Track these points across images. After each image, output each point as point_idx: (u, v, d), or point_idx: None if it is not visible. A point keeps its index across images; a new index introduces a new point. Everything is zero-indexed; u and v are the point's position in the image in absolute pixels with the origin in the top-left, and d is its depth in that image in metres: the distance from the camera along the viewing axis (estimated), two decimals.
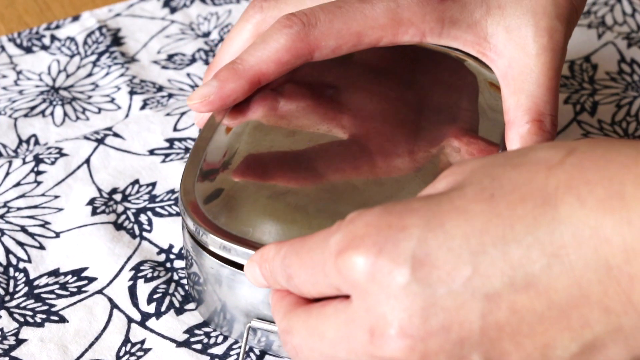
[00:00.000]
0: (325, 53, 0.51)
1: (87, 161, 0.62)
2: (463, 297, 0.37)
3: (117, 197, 0.60)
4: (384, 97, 0.55)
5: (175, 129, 0.64)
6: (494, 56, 0.52)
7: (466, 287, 0.37)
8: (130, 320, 0.53)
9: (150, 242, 0.57)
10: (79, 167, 0.62)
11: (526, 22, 0.51)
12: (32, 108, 0.66)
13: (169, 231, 0.58)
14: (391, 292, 0.38)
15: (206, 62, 0.70)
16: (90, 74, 0.69)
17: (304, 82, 0.55)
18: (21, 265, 0.56)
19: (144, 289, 0.55)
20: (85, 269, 0.56)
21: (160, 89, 0.68)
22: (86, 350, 0.52)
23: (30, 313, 0.54)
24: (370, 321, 0.39)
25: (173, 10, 0.74)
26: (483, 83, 0.56)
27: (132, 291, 0.55)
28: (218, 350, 0.52)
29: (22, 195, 0.60)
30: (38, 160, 0.62)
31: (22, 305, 0.54)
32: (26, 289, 0.55)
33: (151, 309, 0.54)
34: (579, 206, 0.37)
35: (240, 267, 0.48)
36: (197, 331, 0.53)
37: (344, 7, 0.51)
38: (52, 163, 0.62)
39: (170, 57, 0.71)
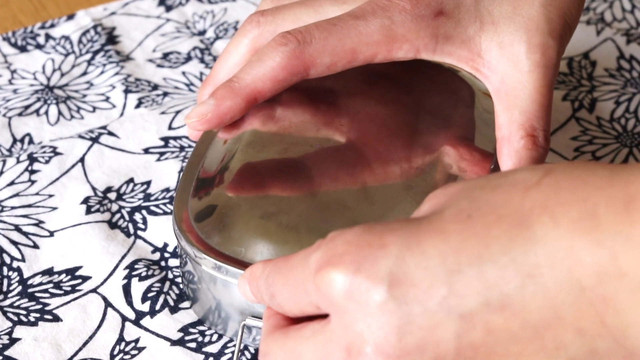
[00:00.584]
0: (321, 70, 0.52)
1: (82, 160, 0.62)
2: (438, 316, 0.38)
3: (112, 195, 0.60)
4: (378, 113, 0.55)
5: (170, 128, 0.64)
6: (488, 72, 0.52)
7: (442, 306, 0.38)
8: (124, 319, 0.54)
9: (145, 240, 0.58)
10: (73, 166, 0.62)
11: (519, 38, 0.51)
12: (27, 107, 0.67)
13: (163, 230, 0.58)
14: (368, 310, 0.38)
15: (202, 61, 0.70)
16: (85, 73, 0.70)
17: (297, 97, 0.56)
18: (15, 264, 0.56)
19: (138, 288, 0.55)
20: (79, 267, 0.56)
21: (155, 87, 0.68)
22: (80, 349, 0.52)
23: (24, 312, 0.54)
24: (347, 339, 0.39)
25: (168, 8, 0.75)
26: (478, 94, 0.57)
27: (127, 290, 0.55)
28: (213, 348, 0.52)
29: (16, 194, 0.60)
30: (32, 159, 0.62)
31: (15, 304, 0.54)
32: (20, 288, 0.55)
33: (145, 307, 0.54)
34: (552, 227, 0.37)
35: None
36: (191, 330, 0.53)
37: (339, 25, 0.52)
38: (47, 162, 0.62)
39: (165, 56, 0.71)
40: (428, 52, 0.52)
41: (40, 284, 0.55)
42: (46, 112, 0.66)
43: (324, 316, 0.41)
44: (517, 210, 0.38)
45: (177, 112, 0.65)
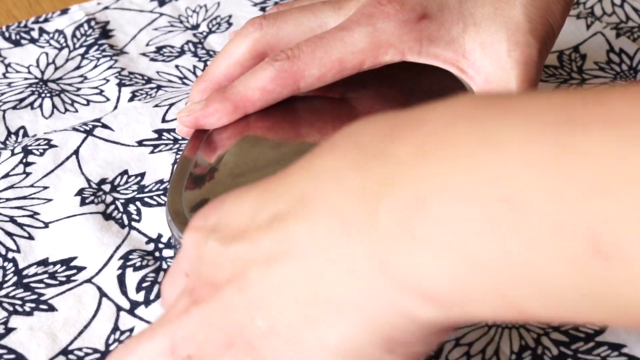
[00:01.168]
0: (311, 82, 0.54)
1: (76, 152, 0.63)
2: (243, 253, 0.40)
3: (106, 187, 0.61)
4: (372, 110, 0.55)
5: (163, 120, 0.65)
6: (472, 73, 0.54)
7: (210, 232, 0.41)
8: (119, 308, 0.54)
9: (139, 231, 0.58)
10: (67, 158, 0.63)
11: (499, 37, 0.53)
12: (21, 100, 0.67)
13: (157, 221, 0.59)
14: (201, 254, 0.41)
15: (195, 54, 0.71)
16: (78, 67, 0.70)
17: (292, 95, 0.56)
18: (10, 255, 0.57)
19: (132, 278, 0.55)
20: (74, 258, 0.57)
21: (148, 80, 0.69)
22: (75, 338, 0.53)
23: (19, 302, 0.55)
24: (193, 282, 0.42)
25: (162, 3, 0.75)
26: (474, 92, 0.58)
27: (121, 280, 0.55)
28: None
29: (11, 187, 0.61)
30: (27, 151, 0.63)
31: (11, 294, 0.55)
32: (15, 278, 0.56)
33: (140, 297, 0.55)
34: (330, 156, 0.38)
35: None
36: None
37: (325, 37, 0.54)
38: (41, 154, 0.63)
39: (158, 50, 0.72)
40: (413, 55, 0.54)
41: (36, 274, 0.56)
42: (40, 106, 0.67)
43: None
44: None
45: (171, 105, 0.66)
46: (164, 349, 0.41)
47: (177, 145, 0.63)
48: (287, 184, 0.40)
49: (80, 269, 0.56)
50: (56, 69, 0.70)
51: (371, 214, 0.35)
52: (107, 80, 0.69)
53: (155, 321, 0.43)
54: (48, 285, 0.55)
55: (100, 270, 0.56)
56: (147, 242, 0.58)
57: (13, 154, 0.63)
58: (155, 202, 0.60)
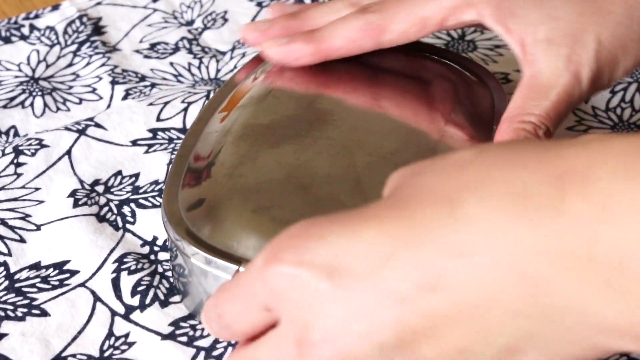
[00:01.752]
0: (394, 37, 0.56)
1: (68, 152, 0.62)
2: (377, 302, 0.38)
3: (100, 188, 0.60)
4: (373, 107, 0.55)
5: (158, 119, 0.64)
6: (529, 61, 0.54)
7: (379, 292, 0.38)
8: (114, 313, 0.54)
9: (134, 234, 0.58)
10: (60, 159, 0.62)
11: (568, 45, 0.53)
12: (12, 99, 0.67)
13: (152, 223, 0.58)
14: (312, 300, 0.39)
15: (190, 51, 0.70)
16: (70, 64, 0.70)
17: (290, 90, 0.56)
18: (1, 258, 0.56)
19: (127, 282, 0.55)
20: (67, 261, 0.56)
21: (142, 78, 0.68)
22: (69, 344, 0.52)
23: (11, 307, 0.54)
24: (297, 332, 0.40)
25: None
26: (475, 90, 0.57)
27: (116, 284, 0.55)
28: (204, 342, 0.52)
29: (2, 188, 0.60)
30: (18, 151, 0.62)
31: (2, 299, 0.54)
32: (6, 282, 0.55)
33: (135, 301, 0.54)
34: (482, 206, 0.37)
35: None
36: (182, 324, 0.53)
37: None
38: (33, 154, 0.62)
39: (152, 46, 0.71)
40: (491, 21, 0.54)
41: (28, 278, 0.55)
42: (31, 104, 0.66)
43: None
44: (449, 192, 0.38)
45: (166, 104, 0.65)
46: None
47: (172, 145, 0.62)
48: (428, 231, 0.38)
49: (73, 272, 0.56)
50: (47, 66, 0.69)
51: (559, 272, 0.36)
52: (100, 78, 0.68)
53: None
54: (40, 290, 0.55)
55: (94, 274, 0.55)
56: (142, 245, 0.57)
57: (4, 155, 0.62)
58: (150, 204, 0.59)
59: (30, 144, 0.63)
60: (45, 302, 0.54)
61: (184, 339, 0.52)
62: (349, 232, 0.39)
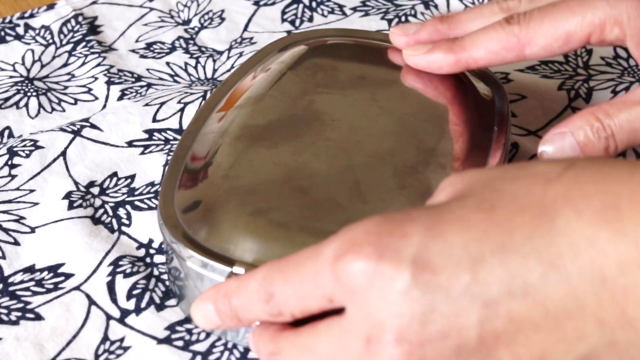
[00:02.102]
0: (536, 50, 0.55)
1: (63, 154, 0.62)
2: (461, 303, 0.39)
3: (95, 190, 0.60)
4: (371, 110, 0.55)
5: (154, 120, 0.64)
6: None
7: (465, 293, 0.39)
8: (109, 317, 0.53)
9: (129, 236, 0.57)
10: (54, 160, 0.62)
11: None
12: (6, 99, 0.66)
13: (148, 225, 0.58)
14: (390, 298, 0.39)
15: (186, 51, 0.70)
16: (66, 64, 0.69)
17: (289, 92, 0.56)
18: None
19: (123, 285, 0.55)
20: (61, 264, 0.56)
21: (138, 78, 0.68)
22: (63, 348, 0.52)
23: (4, 311, 0.54)
24: (367, 328, 0.40)
25: None
26: (474, 93, 0.57)
27: (111, 287, 0.55)
28: (200, 347, 0.52)
29: None
30: (12, 153, 0.62)
31: None
32: (0, 286, 0.55)
33: (131, 305, 0.54)
34: (575, 218, 0.38)
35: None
36: (178, 328, 0.53)
37: (557, 6, 0.54)
38: (27, 156, 0.62)
39: (149, 46, 0.71)
40: (633, 42, 0.54)
41: (22, 281, 0.55)
42: (26, 105, 0.66)
43: (332, 314, 0.42)
44: (539, 201, 0.39)
45: (162, 104, 0.65)
46: None
47: (168, 146, 0.62)
48: (521, 239, 0.39)
49: (68, 275, 0.55)
50: (42, 66, 0.69)
51: None
52: (96, 78, 0.68)
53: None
54: (35, 293, 0.55)
55: (89, 277, 0.55)
56: (138, 248, 0.57)
57: None
58: (146, 206, 0.59)
59: (24, 145, 0.62)
60: (39, 305, 0.54)
61: (180, 343, 0.52)
62: (434, 233, 0.40)
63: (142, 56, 0.70)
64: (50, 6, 0.74)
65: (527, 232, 0.39)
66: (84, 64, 0.69)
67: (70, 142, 0.63)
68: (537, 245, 0.38)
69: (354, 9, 0.74)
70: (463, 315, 0.39)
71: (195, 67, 0.69)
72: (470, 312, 0.39)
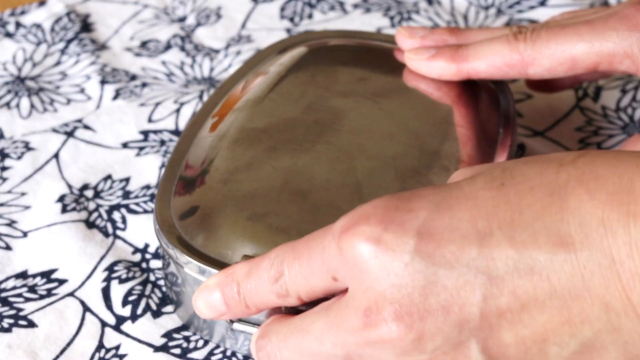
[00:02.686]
0: (539, 72, 0.55)
1: (56, 155, 0.62)
2: (466, 277, 0.39)
3: (89, 193, 0.60)
4: (372, 112, 0.55)
5: (150, 120, 0.64)
6: None
7: (470, 267, 0.39)
8: (104, 324, 0.53)
9: (125, 241, 0.57)
10: (47, 162, 0.62)
11: None
12: None
13: (144, 229, 0.58)
14: (392, 269, 0.40)
15: (182, 49, 0.70)
16: (58, 63, 0.69)
17: (288, 94, 0.56)
18: None
19: (118, 291, 0.55)
20: (55, 270, 0.56)
21: (133, 77, 0.68)
22: (57, 356, 0.52)
23: None
24: (367, 301, 0.40)
25: None
26: (477, 93, 0.57)
27: (106, 293, 0.55)
28: (198, 355, 0.52)
29: None
30: (3, 155, 0.62)
31: None
32: None
33: (126, 312, 0.54)
34: (588, 198, 0.39)
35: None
36: (175, 335, 0.53)
37: (566, 29, 0.54)
38: (19, 158, 0.62)
39: (143, 44, 0.71)
40: None
41: (14, 287, 0.55)
42: (17, 105, 0.66)
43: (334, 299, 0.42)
44: (552, 182, 0.40)
45: (157, 104, 0.65)
46: (336, 359, 0.42)
47: (164, 148, 0.62)
48: (531, 217, 0.39)
49: (61, 281, 0.55)
50: (34, 65, 0.69)
51: None
52: (89, 78, 0.68)
53: (309, 318, 0.43)
54: (27, 300, 0.55)
55: (83, 283, 0.55)
56: (134, 253, 0.57)
57: None
58: (141, 209, 0.59)
59: (16, 147, 0.62)
60: (32, 312, 0.54)
61: (178, 350, 0.52)
62: (441, 208, 0.40)
63: (137, 54, 0.70)
64: (42, 3, 0.74)
65: (537, 210, 0.39)
66: (76, 62, 0.69)
67: (63, 143, 0.63)
68: (547, 223, 0.39)
69: (355, 6, 0.74)
70: (467, 289, 0.39)
71: (192, 66, 0.69)
72: (475, 286, 0.39)
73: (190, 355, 0.52)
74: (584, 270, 0.38)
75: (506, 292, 0.39)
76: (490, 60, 0.55)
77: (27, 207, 0.59)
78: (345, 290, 0.42)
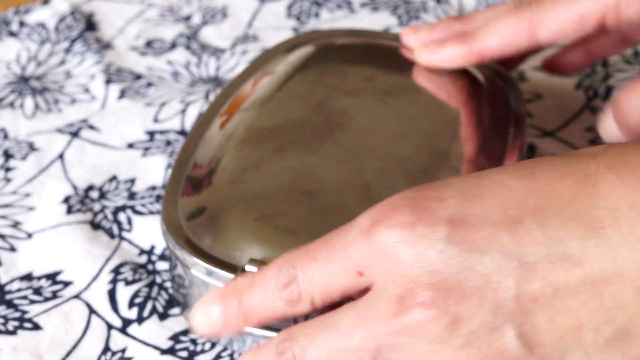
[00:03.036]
0: (549, 35, 0.55)
1: (61, 156, 0.62)
2: (498, 263, 0.40)
3: (94, 194, 0.60)
4: (380, 111, 0.55)
5: (155, 120, 0.64)
6: None
7: (502, 253, 0.40)
8: (110, 326, 0.54)
9: (130, 242, 0.58)
10: (52, 163, 0.62)
11: None
12: (1, 100, 0.67)
13: (150, 231, 0.58)
14: (427, 257, 0.40)
15: (188, 48, 0.70)
16: (62, 62, 0.70)
17: (295, 94, 0.56)
18: None
19: (124, 293, 0.55)
20: (60, 272, 0.56)
21: (138, 77, 0.68)
22: (63, 359, 0.52)
23: (1, 320, 0.54)
24: (400, 288, 0.41)
25: None
26: (485, 92, 0.57)
27: (112, 295, 0.55)
28: (206, 357, 0.52)
29: None
30: (7, 155, 0.62)
31: None
32: None
33: (132, 314, 0.54)
34: (618, 183, 0.39)
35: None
36: (182, 337, 0.53)
37: None
38: (23, 158, 0.62)
39: (149, 43, 0.71)
40: None
41: (19, 290, 0.55)
42: (22, 105, 0.66)
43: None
44: (582, 170, 0.40)
45: (163, 104, 0.65)
46: (366, 353, 0.41)
47: (170, 148, 0.62)
48: (562, 203, 0.40)
49: (67, 283, 0.56)
50: (38, 65, 0.69)
51: None
52: (94, 77, 0.68)
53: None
54: (32, 302, 0.55)
55: (88, 285, 0.55)
56: (140, 254, 0.57)
57: None
58: (147, 211, 0.59)
59: (20, 148, 0.63)
60: (37, 315, 0.54)
61: (185, 353, 0.52)
62: (471, 196, 0.41)
63: (142, 54, 0.70)
64: (46, 2, 0.74)
65: (567, 197, 0.40)
66: (81, 62, 0.69)
67: (68, 144, 0.63)
68: (577, 209, 0.39)
69: (363, 5, 0.74)
70: (500, 275, 0.39)
71: (198, 66, 0.69)
72: (507, 272, 0.39)
73: (197, 358, 0.52)
74: (615, 254, 0.39)
75: (539, 278, 0.39)
76: (499, 34, 0.56)
77: (31, 208, 0.59)
78: (365, 290, 0.42)
